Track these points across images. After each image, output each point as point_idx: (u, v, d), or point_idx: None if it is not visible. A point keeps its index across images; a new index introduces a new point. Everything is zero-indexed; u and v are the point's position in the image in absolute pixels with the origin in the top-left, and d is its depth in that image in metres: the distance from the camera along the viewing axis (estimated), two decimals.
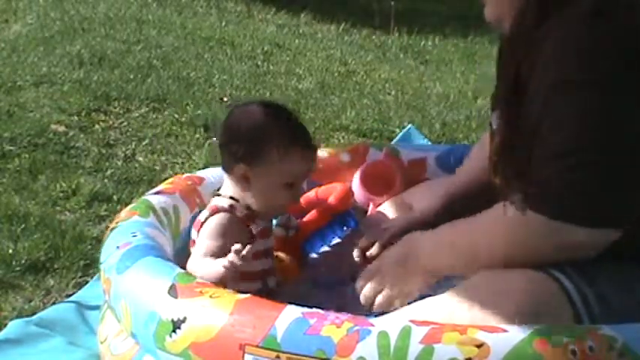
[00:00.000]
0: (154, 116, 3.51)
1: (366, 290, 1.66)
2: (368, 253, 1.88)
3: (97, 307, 1.95)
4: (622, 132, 1.40)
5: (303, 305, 1.46)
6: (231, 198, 1.77)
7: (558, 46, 1.44)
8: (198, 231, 1.74)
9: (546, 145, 1.42)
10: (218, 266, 1.58)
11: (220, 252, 1.65)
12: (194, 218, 1.84)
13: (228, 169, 1.77)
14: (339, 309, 1.49)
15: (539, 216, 1.41)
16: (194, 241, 1.76)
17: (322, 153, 2.42)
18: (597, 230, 1.40)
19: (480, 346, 1.32)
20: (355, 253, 1.90)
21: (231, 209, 1.74)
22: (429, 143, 3.46)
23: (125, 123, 3.40)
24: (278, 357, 1.37)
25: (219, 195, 1.80)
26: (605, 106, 1.40)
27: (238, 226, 1.74)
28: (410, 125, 3.66)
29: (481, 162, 1.79)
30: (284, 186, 1.75)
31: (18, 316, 2.02)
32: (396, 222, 1.98)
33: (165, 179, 2.24)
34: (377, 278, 1.66)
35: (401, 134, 3.55)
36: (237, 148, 1.73)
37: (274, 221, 2.04)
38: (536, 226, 1.42)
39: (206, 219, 1.74)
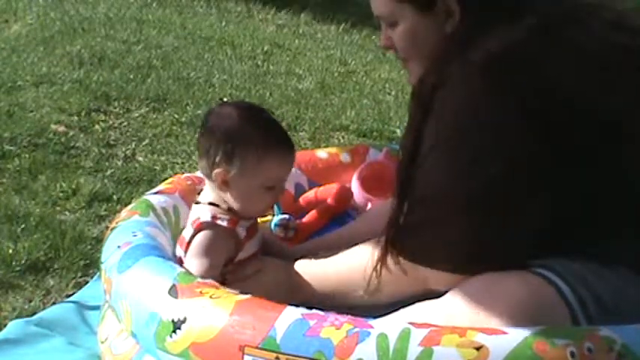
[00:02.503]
0: (154, 116, 3.51)
1: None
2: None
3: (97, 307, 1.95)
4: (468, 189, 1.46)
5: (302, 306, 1.46)
6: (211, 204, 1.75)
7: (442, 106, 1.49)
8: (184, 249, 1.73)
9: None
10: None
11: (211, 270, 1.66)
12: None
13: (207, 173, 1.75)
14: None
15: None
16: (180, 259, 1.75)
17: (322, 153, 2.42)
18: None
19: (479, 348, 1.32)
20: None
21: (213, 221, 1.72)
22: None
23: (125, 123, 3.40)
24: (277, 358, 1.38)
25: (198, 203, 1.79)
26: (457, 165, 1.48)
27: (224, 237, 1.73)
28: None
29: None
30: (263, 189, 1.72)
31: (18, 316, 2.01)
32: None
33: (165, 179, 2.23)
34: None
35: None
36: (214, 152, 1.71)
37: (273, 221, 2.05)
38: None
39: (191, 237, 1.72)
